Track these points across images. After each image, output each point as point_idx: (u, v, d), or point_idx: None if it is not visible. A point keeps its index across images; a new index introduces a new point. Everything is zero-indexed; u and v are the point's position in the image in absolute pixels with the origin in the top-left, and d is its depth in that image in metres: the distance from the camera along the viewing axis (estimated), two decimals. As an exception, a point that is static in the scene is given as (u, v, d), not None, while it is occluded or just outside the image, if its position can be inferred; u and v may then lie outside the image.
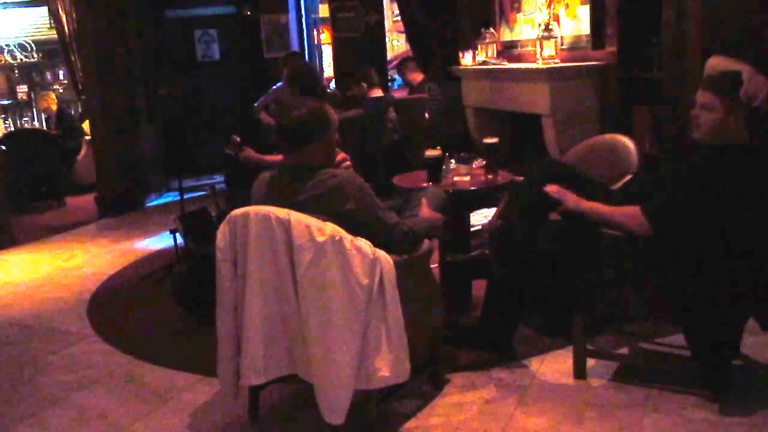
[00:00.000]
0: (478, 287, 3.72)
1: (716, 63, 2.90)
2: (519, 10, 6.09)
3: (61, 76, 10.77)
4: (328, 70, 9.85)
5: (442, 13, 7.12)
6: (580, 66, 5.07)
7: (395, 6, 8.88)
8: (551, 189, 3.08)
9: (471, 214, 4.23)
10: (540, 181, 3.20)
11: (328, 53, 9.77)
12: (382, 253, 2.56)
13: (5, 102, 10.45)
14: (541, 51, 5.28)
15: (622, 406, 2.83)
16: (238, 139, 4.55)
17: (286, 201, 2.65)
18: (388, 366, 2.55)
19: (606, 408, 2.83)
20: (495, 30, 6.37)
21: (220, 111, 8.74)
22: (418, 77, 6.95)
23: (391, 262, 2.59)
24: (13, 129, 9.83)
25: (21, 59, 10.55)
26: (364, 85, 5.86)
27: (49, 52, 10.46)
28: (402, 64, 7.30)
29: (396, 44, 11.30)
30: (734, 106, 2.68)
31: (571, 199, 3.02)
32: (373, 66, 6.48)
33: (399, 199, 3.53)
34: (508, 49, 6.27)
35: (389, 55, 9.43)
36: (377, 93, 5.88)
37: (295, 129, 2.73)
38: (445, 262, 3.75)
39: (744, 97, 2.65)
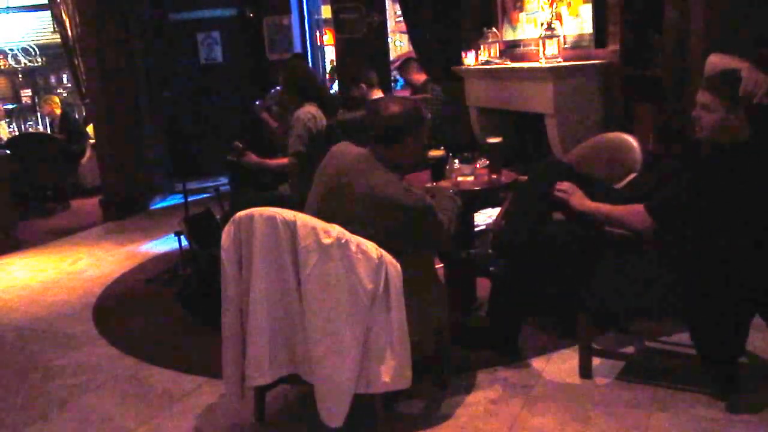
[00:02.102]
0: (483, 287, 3.72)
1: (715, 61, 2.90)
2: (521, 9, 6.08)
3: (64, 80, 10.80)
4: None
5: (445, 13, 7.12)
6: (583, 65, 5.06)
7: (398, 6, 8.88)
8: (563, 186, 3.08)
9: (475, 214, 4.23)
10: (543, 182, 3.20)
11: (330, 54, 9.77)
12: (388, 258, 2.55)
13: (9, 106, 10.47)
14: (543, 50, 5.28)
15: (628, 405, 2.83)
16: (240, 145, 4.55)
17: (353, 185, 2.68)
18: (389, 372, 2.55)
19: (612, 407, 2.83)
20: (497, 29, 6.36)
21: (224, 113, 8.76)
22: (420, 78, 6.94)
23: (398, 267, 2.58)
24: (17, 133, 9.86)
25: (25, 63, 10.59)
26: (364, 86, 5.86)
27: (53, 56, 10.49)
28: (404, 64, 7.30)
29: (399, 45, 11.30)
30: (734, 104, 2.68)
31: (576, 200, 3.02)
32: (375, 67, 6.48)
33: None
34: (510, 49, 6.26)
35: (392, 56, 9.42)
36: (378, 94, 5.88)
37: (390, 125, 2.75)
38: (448, 259, 3.76)
39: (743, 95, 2.65)
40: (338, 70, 8.67)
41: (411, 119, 2.77)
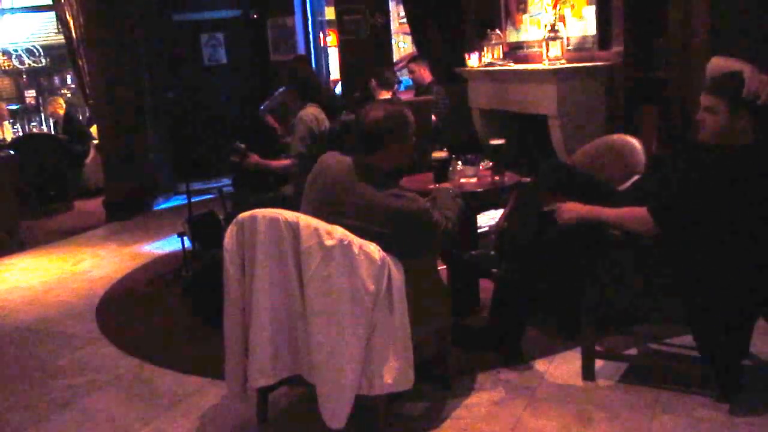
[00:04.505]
0: (486, 288, 3.72)
1: (717, 64, 2.90)
2: (525, 11, 6.08)
3: (68, 81, 10.82)
4: (335, 73, 9.87)
5: (448, 14, 7.12)
6: (586, 66, 5.07)
7: (401, 8, 8.89)
8: (551, 209, 3.05)
9: (478, 216, 4.22)
10: (545, 184, 3.19)
11: (334, 56, 9.78)
12: (390, 260, 2.55)
13: (14, 107, 10.50)
14: (547, 52, 5.28)
15: (631, 408, 2.83)
16: (243, 146, 4.55)
17: (343, 198, 2.67)
18: (392, 374, 2.54)
19: (615, 409, 2.82)
20: (501, 31, 6.36)
21: (227, 114, 8.77)
22: (427, 77, 6.95)
23: (401, 269, 2.59)
24: (21, 134, 9.89)
25: (29, 64, 10.61)
26: (374, 82, 5.85)
27: (57, 56, 10.51)
28: (413, 60, 7.29)
29: (402, 46, 11.32)
30: (738, 106, 2.68)
31: (570, 211, 2.99)
32: (384, 67, 6.47)
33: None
34: (514, 51, 6.27)
35: (395, 57, 9.43)
36: (385, 96, 5.87)
37: (371, 131, 2.73)
38: (451, 261, 3.75)
39: (746, 96, 2.65)
40: (341, 71, 8.68)
41: (392, 125, 2.74)
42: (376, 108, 2.80)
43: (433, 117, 6.29)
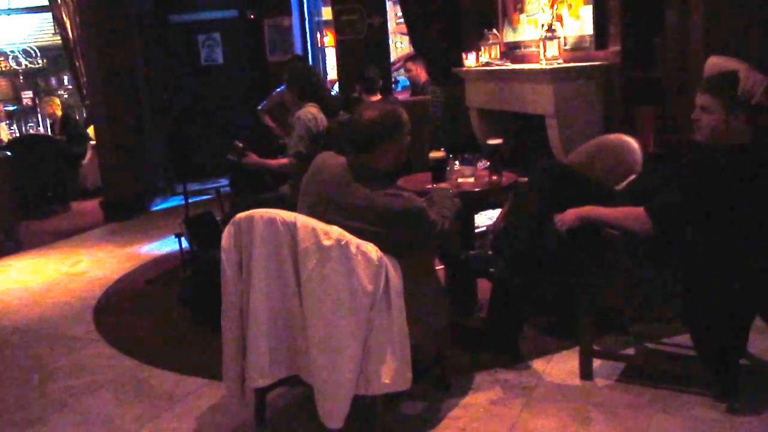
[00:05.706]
0: (484, 288, 3.72)
1: (714, 63, 2.90)
2: (522, 10, 6.08)
3: (65, 82, 10.80)
4: (332, 73, 9.86)
5: (445, 14, 7.12)
6: (583, 66, 5.06)
7: (398, 8, 8.89)
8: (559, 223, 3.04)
9: (475, 216, 4.22)
10: (543, 184, 3.19)
11: (331, 56, 9.77)
12: (388, 259, 2.56)
13: (10, 108, 10.48)
14: (544, 51, 5.27)
15: (629, 407, 2.83)
16: (241, 144, 4.56)
17: (339, 198, 2.68)
18: (389, 374, 2.54)
19: (613, 409, 2.83)
20: (498, 31, 6.36)
21: (225, 114, 8.77)
22: (424, 76, 6.94)
23: (398, 268, 2.59)
24: (18, 135, 9.87)
25: (26, 65, 10.60)
26: (357, 89, 5.85)
27: (54, 57, 10.49)
28: (410, 59, 7.29)
29: (399, 46, 11.31)
30: (733, 106, 2.68)
31: (570, 216, 2.99)
32: (376, 68, 6.46)
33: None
34: (511, 50, 6.27)
35: (393, 57, 9.43)
36: (376, 98, 5.87)
37: (366, 131, 2.73)
38: (449, 261, 3.75)
39: (741, 94, 2.65)
40: (338, 71, 8.68)
41: (386, 124, 2.75)
42: (371, 108, 2.82)
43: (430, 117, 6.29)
